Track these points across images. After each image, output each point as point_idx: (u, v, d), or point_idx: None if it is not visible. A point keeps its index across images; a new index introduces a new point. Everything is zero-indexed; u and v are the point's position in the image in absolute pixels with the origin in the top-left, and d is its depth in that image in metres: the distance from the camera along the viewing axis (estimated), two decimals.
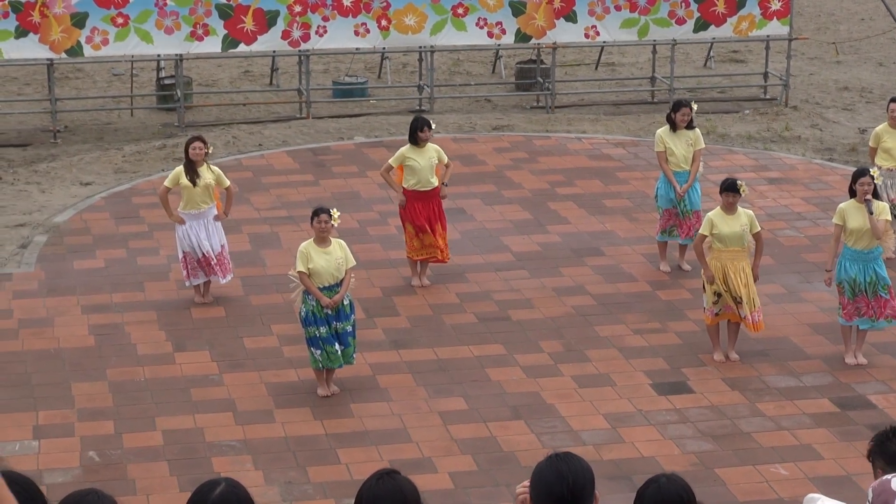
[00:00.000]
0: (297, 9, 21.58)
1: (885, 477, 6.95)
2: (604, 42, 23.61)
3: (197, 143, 14.89)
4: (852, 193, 13.61)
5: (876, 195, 13.58)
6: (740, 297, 13.53)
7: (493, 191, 18.89)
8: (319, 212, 13.01)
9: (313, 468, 11.80)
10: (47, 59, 21.55)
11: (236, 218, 16.83)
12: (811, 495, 7.21)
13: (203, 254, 14.85)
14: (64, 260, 16.40)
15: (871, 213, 13.38)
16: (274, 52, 23.24)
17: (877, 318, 13.61)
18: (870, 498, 6.90)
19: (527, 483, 5.18)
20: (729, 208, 13.64)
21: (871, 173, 13.56)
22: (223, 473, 11.33)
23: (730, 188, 13.64)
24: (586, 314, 14.93)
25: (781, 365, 13.79)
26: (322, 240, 13.01)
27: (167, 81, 23.23)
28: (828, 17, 31.06)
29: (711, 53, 26.03)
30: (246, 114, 23.14)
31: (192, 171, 14.84)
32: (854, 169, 14.45)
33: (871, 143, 16.75)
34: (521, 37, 22.39)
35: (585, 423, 12.59)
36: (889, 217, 13.70)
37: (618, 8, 22.47)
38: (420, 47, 22.88)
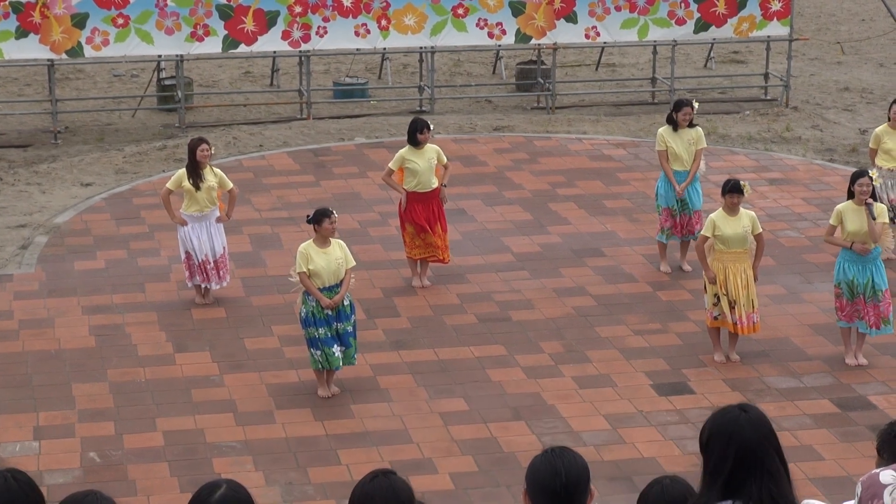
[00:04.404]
0: (298, 9, 21.58)
1: (874, 470, 6.92)
2: (604, 43, 23.61)
3: (204, 145, 14.82)
4: (851, 195, 13.57)
5: (874, 197, 13.53)
6: (735, 301, 13.48)
7: (494, 191, 18.89)
8: (329, 212, 12.97)
9: (314, 469, 11.80)
10: (48, 60, 21.55)
11: (237, 219, 16.82)
12: (808, 501, 7.18)
13: (203, 257, 14.83)
14: (64, 261, 16.40)
15: (873, 217, 13.33)
16: (274, 52, 23.24)
17: (870, 326, 13.51)
18: (858, 492, 6.87)
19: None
20: (732, 209, 13.60)
21: (871, 175, 13.54)
22: (224, 474, 11.33)
23: (734, 189, 13.54)
24: (587, 315, 14.93)
25: (782, 366, 13.78)
26: (323, 240, 13.00)
27: (168, 82, 23.23)
28: (828, 17, 31.06)
29: (712, 54, 26.03)
30: (246, 115, 23.13)
31: (195, 175, 14.79)
32: (854, 170, 14.43)
33: (871, 145, 16.73)
34: (522, 37, 22.38)
35: (586, 424, 12.58)
36: (887, 219, 13.65)
37: (618, 8, 22.46)
38: (420, 48, 22.88)
